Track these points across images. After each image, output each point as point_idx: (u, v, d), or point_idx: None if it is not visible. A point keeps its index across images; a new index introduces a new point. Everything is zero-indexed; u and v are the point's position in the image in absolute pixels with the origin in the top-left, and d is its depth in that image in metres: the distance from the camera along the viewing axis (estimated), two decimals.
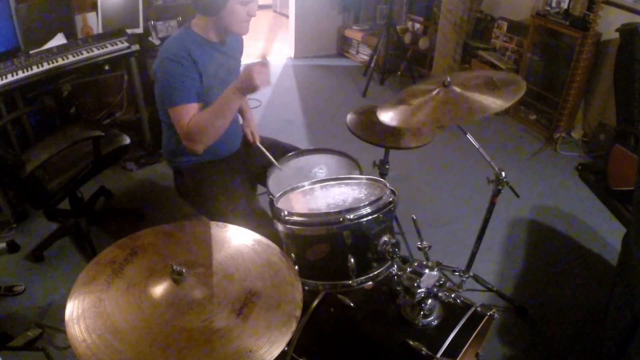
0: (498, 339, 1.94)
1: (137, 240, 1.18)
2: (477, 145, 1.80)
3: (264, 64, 1.48)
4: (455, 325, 1.22)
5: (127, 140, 2.42)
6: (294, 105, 4.15)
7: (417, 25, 4.63)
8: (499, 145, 3.49)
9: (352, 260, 1.29)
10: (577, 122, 3.62)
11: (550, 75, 3.59)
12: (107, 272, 1.07)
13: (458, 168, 3.20)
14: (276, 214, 1.36)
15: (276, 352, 0.90)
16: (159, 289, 1.01)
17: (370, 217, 1.28)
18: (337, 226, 1.26)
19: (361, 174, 1.70)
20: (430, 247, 1.40)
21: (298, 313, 0.99)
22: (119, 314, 0.96)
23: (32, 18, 2.84)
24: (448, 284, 1.30)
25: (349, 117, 2.04)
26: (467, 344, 1.19)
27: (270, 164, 1.86)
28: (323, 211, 1.35)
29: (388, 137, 1.92)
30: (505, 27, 3.91)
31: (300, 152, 1.92)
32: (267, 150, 1.95)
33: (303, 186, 1.50)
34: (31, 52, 2.65)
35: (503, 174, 1.77)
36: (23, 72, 2.51)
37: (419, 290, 1.22)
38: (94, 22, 3.11)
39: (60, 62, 2.61)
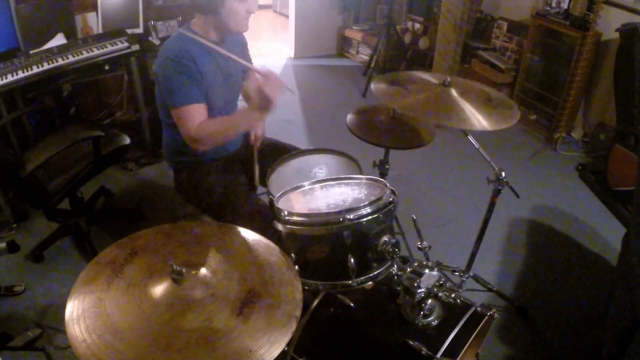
0: (498, 339, 1.94)
1: (137, 240, 1.19)
2: (477, 145, 1.80)
3: (266, 75, 1.55)
4: (455, 325, 1.22)
5: (127, 140, 2.42)
6: (294, 105, 4.15)
7: (417, 25, 4.63)
8: (499, 145, 3.49)
9: (352, 260, 1.29)
10: (577, 122, 3.62)
11: (550, 75, 3.59)
12: (107, 272, 1.07)
13: (458, 168, 3.20)
14: (276, 214, 1.36)
15: (276, 352, 0.90)
16: (159, 289, 1.01)
17: (370, 217, 1.28)
18: (337, 226, 1.26)
19: (361, 174, 1.70)
20: (430, 247, 1.40)
21: (298, 313, 0.99)
22: (119, 314, 0.97)
23: (32, 18, 2.84)
24: (448, 284, 1.30)
25: (349, 117, 2.04)
26: (467, 344, 1.19)
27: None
28: (323, 211, 1.35)
29: (388, 137, 1.92)
30: (505, 27, 3.91)
31: (300, 152, 1.92)
32: (268, 148, 1.95)
33: (303, 186, 1.50)
34: (31, 52, 2.65)
35: (503, 174, 1.77)
36: (23, 72, 2.51)
37: (419, 290, 1.22)
38: (94, 22, 3.10)
39: (60, 62, 2.61)
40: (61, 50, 2.68)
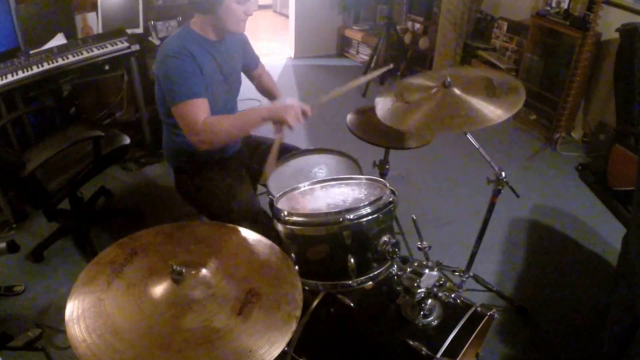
0: (498, 339, 1.94)
1: (137, 240, 1.19)
2: (477, 145, 1.80)
3: (305, 112, 1.59)
4: (455, 325, 1.22)
5: (127, 140, 2.42)
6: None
7: (417, 25, 4.63)
8: (499, 145, 3.49)
9: (352, 260, 1.29)
10: (577, 122, 3.62)
11: (550, 75, 3.59)
12: (107, 272, 1.07)
13: (458, 168, 3.20)
14: (276, 214, 1.35)
15: (276, 352, 0.90)
16: (159, 289, 1.01)
17: (370, 217, 1.28)
18: (337, 226, 1.26)
19: (361, 174, 1.70)
20: (430, 247, 1.40)
21: (298, 313, 0.99)
22: (119, 314, 0.97)
23: (32, 18, 2.84)
24: (448, 284, 1.30)
25: (349, 117, 2.04)
26: (467, 344, 1.19)
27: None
28: (323, 211, 1.35)
29: (388, 137, 1.92)
30: (505, 27, 3.91)
31: (300, 152, 1.92)
32: (268, 149, 1.95)
33: (303, 186, 1.50)
34: (31, 52, 2.65)
35: (503, 174, 1.77)
36: (23, 72, 2.51)
37: (419, 290, 1.22)
38: (94, 22, 3.11)
39: (60, 62, 2.61)
40: (61, 50, 2.68)
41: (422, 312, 1.25)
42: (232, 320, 0.95)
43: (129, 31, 2.94)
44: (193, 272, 1.04)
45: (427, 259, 1.35)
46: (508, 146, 3.52)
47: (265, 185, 1.75)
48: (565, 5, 3.32)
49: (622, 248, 1.97)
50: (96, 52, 2.72)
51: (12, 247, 1.99)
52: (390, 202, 1.34)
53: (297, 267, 1.29)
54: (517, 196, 1.84)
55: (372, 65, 4.40)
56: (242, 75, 1.97)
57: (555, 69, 3.53)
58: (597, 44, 3.26)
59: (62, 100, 3.15)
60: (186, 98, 1.59)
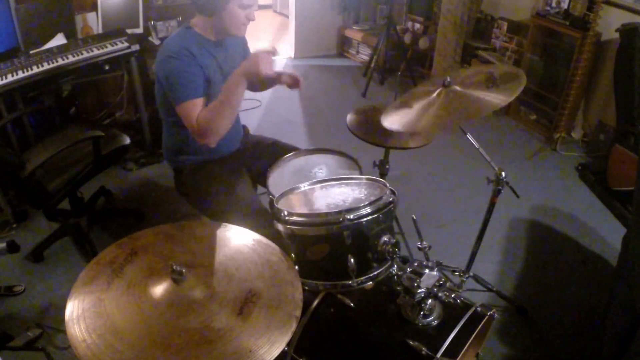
0: (498, 339, 1.94)
1: (137, 240, 1.19)
2: (477, 145, 1.80)
3: (271, 52, 1.54)
4: (455, 325, 1.22)
5: (127, 140, 2.42)
6: (294, 105, 4.15)
7: (417, 25, 4.63)
8: (499, 145, 3.49)
9: (352, 260, 1.29)
10: (577, 122, 3.62)
11: (550, 75, 3.59)
12: (107, 272, 1.07)
13: (458, 168, 3.20)
14: (276, 214, 1.36)
15: (276, 352, 0.90)
16: (159, 289, 1.01)
17: (370, 217, 1.28)
18: (337, 226, 1.26)
19: (361, 174, 1.70)
20: (430, 247, 1.40)
21: (298, 313, 0.99)
22: (119, 314, 0.97)
23: (32, 18, 2.84)
24: (448, 284, 1.30)
25: (349, 117, 2.04)
26: (467, 344, 1.19)
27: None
28: (323, 211, 1.35)
29: (388, 137, 1.92)
30: (505, 27, 3.91)
31: (300, 152, 1.92)
32: (268, 148, 1.96)
33: (303, 186, 1.50)
34: (31, 52, 2.65)
35: (503, 174, 1.77)
36: (23, 72, 2.51)
37: (419, 290, 1.22)
38: (94, 22, 3.11)
39: (60, 62, 2.61)
40: (61, 50, 2.69)
41: (422, 312, 1.25)
42: (232, 320, 0.95)
43: (129, 31, 2.94)
44: (193, 272, 1.04)
45: (427, 259, 1.35)
46: (508, 146, 3.52)
47: (265, 185, 1.75)
48: (565, 5, 3.32)
49: (622, 248, 1.97)
50: (96, 52, 2.72)
51: (12, 247, 2.00)
52: (390, 202, 1.34)
53: (297, 267, 1.29)
54: (517, 196, 1.84)
55: (372, 65, 4.40)
56: None
57: (555, 69, 3.53)
58: (597, 44, 3.26)
59: (62, 100, 3.15)
60: (188, 98, 1.59)
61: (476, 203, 2.73)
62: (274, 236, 1.29)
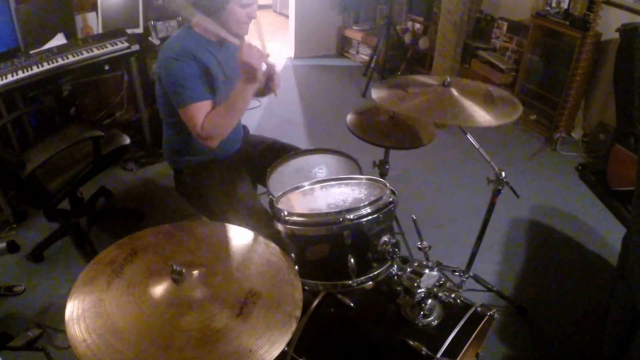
0: (498, 339, 1.94)
1: (137, 240, 1.19)
2: (477, 145, 1.80)
3: (247, 46, 1.54)
4: (455, 325, 1.22)
5: (127, 140, 2.42)
6: (294, 105, 4.15)
7: (417, 25, 4.63)
8: (499, 145, 3.49)
9: (352, 260, 1.29)
10: (577, 122, 3.62)
11: (550, 75, 3.59)
12: (107, 272, 1.07)
13: (458, 168, 3.20)
14: (276, 214, 1.36)
15: (276, 352, 0.90)
16: (159, 289, 1.01)
17: (370, 217, 1.28)
18: (337, 226, 1.26)
19: (361, 174, 1.70)
20: (430, 247, 1.40)
21: (298, 313, 0.99)
22: (119, 314, 0.97)
23: (32, 18, 2.84)
24: (448, 284, 1.30)
25: (349, 117, 2.04)
26: (467, 344, 1.19)
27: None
28: (323, 211, 1.35)
29: (388, 137, 1.92)
30: (505, 27, 3.91)
31: (300, 152, 1.92)
32: (268, 148, 1.95)
33: (303, 186, 1.50)
34: (31, 52, 2.65)
35: (503, 174, 1.77)
36: (23, 72, 2.51)
37: (419, 290, 1.22)
38: (94, 22, 3.10)
39: (60, 62, 2.61)
40: (61, 50, 2.68)
41: (422, 312, 1.25)
42: (232, 320, 0.95)
43: (129, 31, 2.94)
44: (193, 272, 1.04)
45: (427, 259, 1.35)
46: (508, 146, 3.52)
47: (265, 185, 1.75)
48: (565, 5, 3.32)
49: (622, 248, 1.97)
50: (96, 52, 2.72)
51: (12, 247, 2.00)
52: (390, 202, 1.34)
53: (297, 267, 1.29)
54: (517, 196, 1.84)
55: (372, 65, 4.40)
56: None
57: (555, 69, 3.53)
58: (597, 44, 3.26)
59: (62, 100, 3.15)
60: (191, 101, 1.60)
61: (476, 203, 2.73)
62: (274, 236, 1.29)
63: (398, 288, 1.30)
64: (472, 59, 4.12)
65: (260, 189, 2.03)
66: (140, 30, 3.10)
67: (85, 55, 2.68)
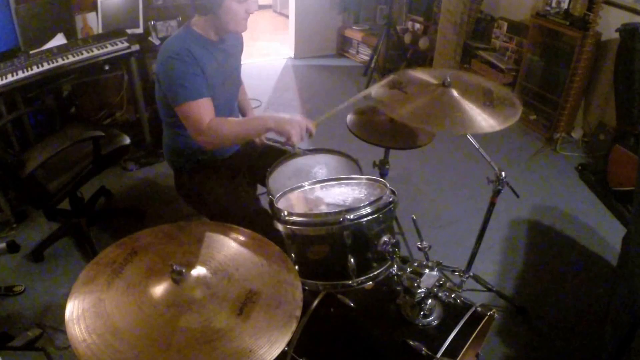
0: (498, 339, 1.94)
1: (137, 240, 1.18)
2: (477, 145, 1.80)
3: (310, 132, 1.62)
4: (455, 325, 1.22)
5: (127, 140, 2.42)
6: (294, 105, 4.15)
7: (417, 25, 4.63)
8: (499, 145, 3.49)
9: (352, 260, 1.29)
10: (577, 122, 3.62)
11: (550, 75, 3.59)
12: (107, 272, 1.07)
13: (458, 168, 3.20)
14: (276, 214, 1.35)
15: (276, 352, 0.90)
16: (159, 289, 1.01)
17: (370, 217, 1.28)
18: (337, 226, 1.26)
19: (361, 174, 1.70)
20: (430, 247, 1.40)
21: (298, 313, 0.99)
22: (119, 314, 0.97)
23: (32, 18, 2.84)
24: (448, 284, 1.30)
25: (349, 117, 2.04)
26: (467, 344, 1.19)
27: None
28: (323, 211, 1.35)
29: (388, 137, 1.92)
30: (505, 27, 3.91)
31: (300, 152, 1.92)
32: (268, 148, 1.95)
33: (303, 186, 1.50)
34: (31, 52, 2.65)
35: (503, 174, 1.77)
36: (23, 72, 2.51)
37: (419, 290, 1.22)
38: (94, 22, 3.11)
39: (60, 62, 2.61)
40: (61, 50, 2.69)
41: (422, 312, 1.25)
42: (232, 320, 0.95)
43: (129, 31, 2.94)
44: (193, 272, 1.04)
45: (427, 259, 1.35)
46: (508, 146, 3.52)
47: (265, 185, 1.75)
48: (565, 5, 3.32)
49: (622, 248, 1.97)
50: (96, 52, 2.72)
51: (12, 247, 2.00)
52: (390, 202, 1.34)
53: (297, 267, 1.29)
54: (517, 196, 1.84)
55: (372, 65, 4.40)
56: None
57: (555, 69, 3.53)
58: (597, 44, 3.26)
59: (62, 100, 3.15)
60: (190, 98, 1.59)
61: (476, 203, 2.73)
62: (274, 236, 1.29)
63: (398, 288, 1.30)
64: (472, 59, 4.12)
65: (260, 189, 2.03)
66: (140, 30, 3.11)
67: (85, 55, 2.68)
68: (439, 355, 1.15)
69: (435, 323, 1.25)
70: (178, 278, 1.01)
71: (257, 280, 1.06)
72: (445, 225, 2.64)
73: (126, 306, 0.98)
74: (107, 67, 2.85)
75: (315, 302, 1.34)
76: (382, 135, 1.92)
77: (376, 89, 1.71)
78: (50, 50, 2.68)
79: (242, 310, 0.98)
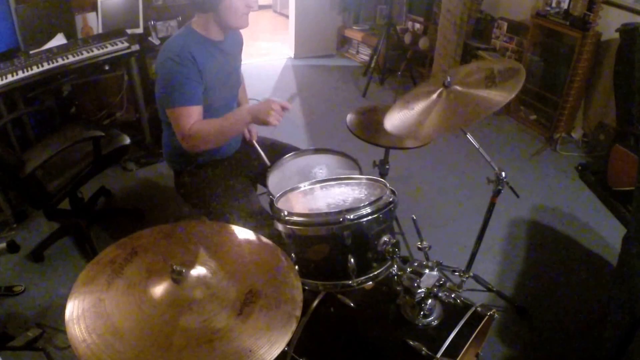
0: (498, 339, 1.94)
1: (137, 240, 1.19)
2: (477, 145, 1.80)
3: (285, 107, 1.58)
4: (455, 325, 1.22)
5: (127, 140, 2.42)
6: (293, 105, 4.15)
7: (417, 25, 4.63)
8: (499, 145, 3.49)
9: (352, 260, 1.29)
10: (577, 122, 3.62)
11: (550, 75, 3.59)
12: (107, 272, 1.07)
13: (458, 168, 3.20)
14: (276, 214, 1.36)
15: (276, 352, 0.90)
16: (159, 289, 1.01)
17: (370, 217, 1.28)
18: (337, 226, 1.26)
19: (361, 174, 1.70)
20: (430, 247, 1.40)
21: (298, 313, 0.99)
22: (119, 314, 0.97)
23: (32, 18, 2.84)
24: (448, 284, 1.30)
25: (349, 117, 2.04)
26: (467, 344, 1.19)
27: (264, 163, 1.87)
28: (323, 211, 1.35)
29: (388, 137, 1.92)
30: (505, 27, 3.91)
31: (300, 152, 1.92)
32: (265, 149, 1.95)
33: (303, 186, 1.50)
34: (31, 52, 2.65)
35: (503, 174, 1.77)
36: (23, 72, 2.51)
37: (419, 290, 1.22)
38: (94, 22, 3.11)
39: (60, 62, 2.61)
40: (61, 50, 2.69)
41: (422, 312, 1.25)
42: (232, 320, 0.95)
43: (129, 31, 2.94)
44: (193, 272, 1.04)
45: (427, 259, 1.35)
46: (508, 146, 3.52)
47: (265, 185, 1.75)
48: (565, 5, 3.32)
49: (622, 248, 1.97)
50: (96, 52, 2.72)
51: (12, 247, 2.00)
52: (390, 202, 1.34)
53: (297, 267, 1.29)
54: (517, 196, 1.84)
55: (372, 65, 4.40)
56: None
57: (555, 69, 3.53)
58: (597, 44, 3.26)
59: (62, 100, 3.15)
60: (180, 104, 1.60)
61: (476, 203, 2.73)
62: (274, 236, 1.29)
63: (398, 288, 1.30)
64: (472, 59, 4.11)
65: (260, 189, 2.03)
66: (140, 30, 3.11)
67: (85, 55, 2.69)
68: (439, 355, 1.15)
69: (435, 323, 1.25)
70: (178, 278, 1.01)
71: (257, 280, 1.06)
72: (445, 225, 2.64)
73: (126, 306, 0.98)
74: (107, 67, 2.86)
75: (315, 302, 1.34)
76: (382, 135, 1.92)
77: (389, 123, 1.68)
78: (50, 50, 2.68)
79: (242, 310, 0.98)
